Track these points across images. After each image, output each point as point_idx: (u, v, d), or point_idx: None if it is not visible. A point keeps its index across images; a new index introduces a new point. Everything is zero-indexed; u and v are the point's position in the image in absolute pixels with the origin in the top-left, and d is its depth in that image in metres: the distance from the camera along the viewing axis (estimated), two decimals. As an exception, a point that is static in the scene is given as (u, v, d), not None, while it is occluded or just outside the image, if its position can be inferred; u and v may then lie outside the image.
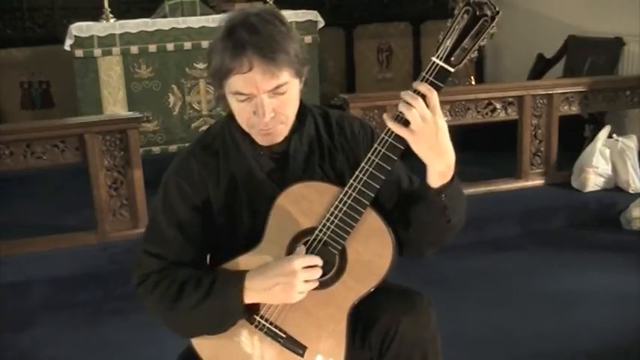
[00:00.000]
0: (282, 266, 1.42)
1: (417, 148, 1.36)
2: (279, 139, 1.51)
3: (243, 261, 1.48)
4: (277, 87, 1.41)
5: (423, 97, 1.33)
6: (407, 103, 1.33)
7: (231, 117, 1.54)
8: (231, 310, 1.45)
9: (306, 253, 1.45)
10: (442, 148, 1.36)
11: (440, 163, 1.38)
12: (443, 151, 1.37)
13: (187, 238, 1.52)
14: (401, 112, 1.34)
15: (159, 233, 1.53)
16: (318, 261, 1.43)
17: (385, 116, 1.36)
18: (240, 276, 1.45)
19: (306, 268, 1.42)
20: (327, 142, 1.59)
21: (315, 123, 1.59)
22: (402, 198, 1.53)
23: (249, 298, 1.44)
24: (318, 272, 1.43)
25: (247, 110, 1.45)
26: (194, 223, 1.53)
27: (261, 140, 1.50)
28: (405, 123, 1.34)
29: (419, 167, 1.47)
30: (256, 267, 1.46)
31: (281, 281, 1.42)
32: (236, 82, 1.41)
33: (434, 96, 1.33)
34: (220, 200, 1.53)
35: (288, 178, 1.52)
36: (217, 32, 1.45)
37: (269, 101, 1.42)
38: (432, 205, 1.44)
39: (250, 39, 1.38)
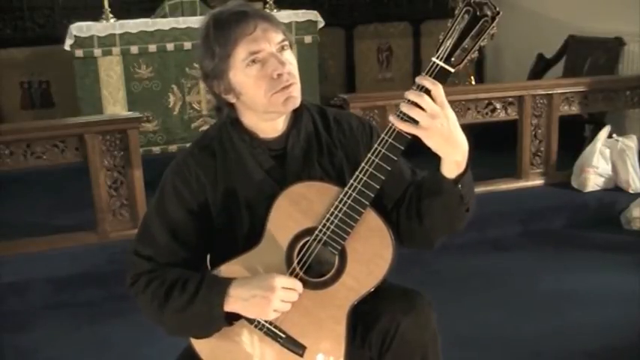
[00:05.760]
0: (264, 280, 1.42)
1: (432, 143, 1.34)
2: (298, 102, 1.50)
3: (242, 261, 1.48)
4: (282, 40, 1.47)
5: (428, 92, 1.31)
6: (412, 102, 1.31)
7: (229, 119, 1.55)
8: (215, 316, 1.45)
9: (306, 253, 1.45)
10: (456, 139, 1.35)
11: (456, 153, 1.37)
12: (457, 142, 1.36)
13: (179, 242, 1.52)
14: (402, 112, 1.32)
15: (151, 236, 1.53)
16: (299, 287, 1.43)
17: (391, 118, 1.34)
18: (225, 282, 1.44)
19: (286, 289, 1.42)
20: (326, 138, 1.58)
21: (312, 119, 1.59)
22: (412, 192, 1.52)
23: (229, 306, 1.43)
24: (295, 296, 1.43)
25: (265, 74, 1.45)
26: (188, 227, 1.52)
27: (285, 105, 1.48)
28: (413, 120, 1.32)
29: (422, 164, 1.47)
30: (246, 274, 1.46)
31: (259, 294, 1.41)
32: (246, 46, 1.44)
33: (439, 89, 1.32)
34: (219, 201, 1.53)
35: (287, 174, 1.52)
36: (199, 36, 1.50)
37: (280, 54, 1.46)
38: (450, 197, 1.43)
39: (244, 8, 1.47)
